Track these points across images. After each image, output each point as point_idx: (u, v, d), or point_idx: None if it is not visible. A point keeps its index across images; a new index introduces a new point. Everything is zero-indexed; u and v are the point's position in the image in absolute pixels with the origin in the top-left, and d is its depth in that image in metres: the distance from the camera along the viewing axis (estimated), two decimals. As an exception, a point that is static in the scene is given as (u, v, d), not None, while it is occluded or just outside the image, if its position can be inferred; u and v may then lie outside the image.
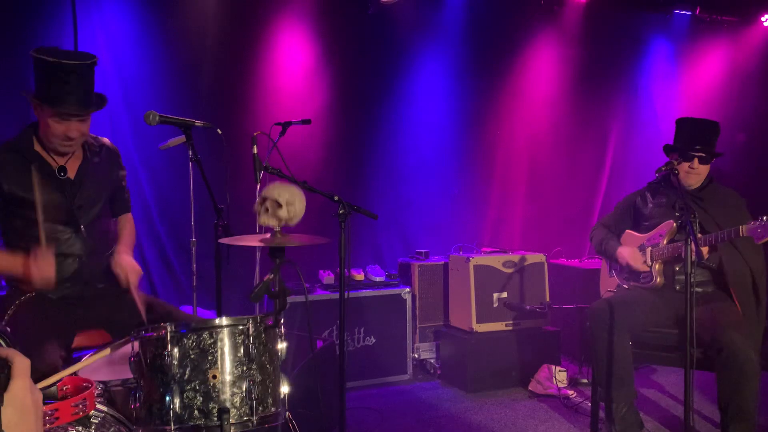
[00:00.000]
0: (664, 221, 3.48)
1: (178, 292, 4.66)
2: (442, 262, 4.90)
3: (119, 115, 4.46)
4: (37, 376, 0.86)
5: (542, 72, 6.04)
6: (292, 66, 5.12)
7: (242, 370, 1.90)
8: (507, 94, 5.92)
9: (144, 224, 4.55)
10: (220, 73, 4.82)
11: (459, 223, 5.72)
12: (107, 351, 1.98)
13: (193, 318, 2.73)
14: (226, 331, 1.91)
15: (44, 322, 2.39)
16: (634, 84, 6.43)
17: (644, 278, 3.50)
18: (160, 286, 4.64)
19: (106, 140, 2.85)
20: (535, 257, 4.68)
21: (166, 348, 1.86)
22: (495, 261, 4.58)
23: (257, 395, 1.90)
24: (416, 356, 4.81)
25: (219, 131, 2.77)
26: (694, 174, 3.43)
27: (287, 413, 2.18)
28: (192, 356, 1.87)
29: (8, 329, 2.18)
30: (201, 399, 1.85)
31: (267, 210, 2.13)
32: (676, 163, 3.34)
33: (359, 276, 4.72)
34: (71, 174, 2.64)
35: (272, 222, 2.12)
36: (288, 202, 2.12)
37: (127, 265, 2.62)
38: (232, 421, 1.84)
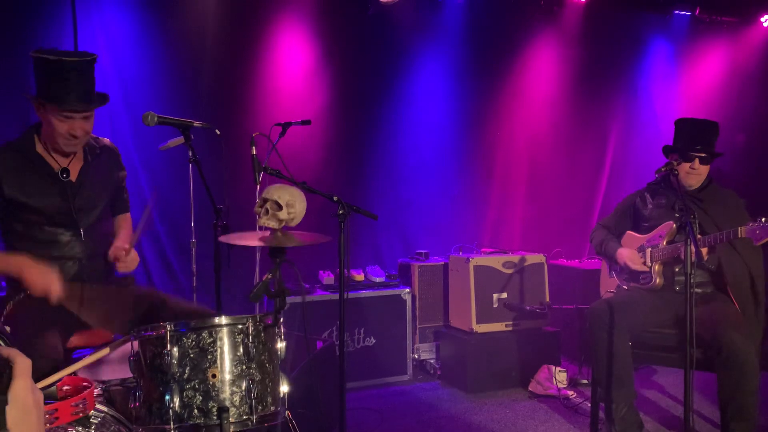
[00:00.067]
0: (664, 222, 3.48)
1: (177, 293, 4.66)
2: (442, 263, 4.90)
3: (119, 115, 4.47)
4: (35, 375, 0.86)
5: (542, 72, 6.05)
6: (292, 66, 5.12)
7: (242, 369, 1.90)
8: (507, 94, 5.92)
9: (140, 216, 4.54)
10: (220, 74, 4.83)
11: (459, 223, 5.72)
12: (106, 350, 1.98)
13: (189, 305, 2.72)
14: (225, 330, 1.91)
15: (42, 321, 2.38)
16: (633, 84, 6.43)
17: (644, 279, 3.50)
18: (160, 286, 4.64)
19: (106, 141, 2.85)
20: (534, 258, 4.68)
21: (166, 347, 1.86)
22: (495, 261, 4.58)
23: (257, 394, 1.90)
24: (416, 357, 4.81)
25: (217, 132, 2.77)
26: (694, 174, 3.43)
27: (287, 413, 2.18)
28: (191, 355, 1.88)
29: (7, 329, 2.18)
30: (200, 398, 1.86)
31: (267, 211, 2.13)
32: (675, 163, 3.34)
33: (359, 276, 4.72)
34: (73, 176, 2.64)
35: (272, 223, 2.13)
36: (288, 203, 2.12)
37: (118, 242, 2.63)
38: (231, 420, 1.85)
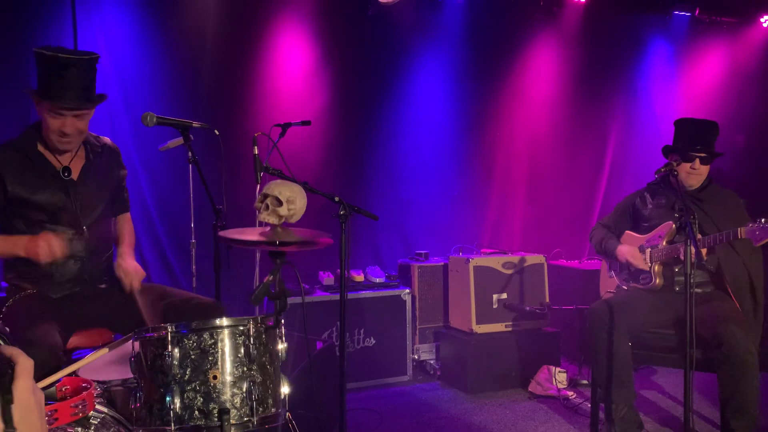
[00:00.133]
0: (664, 222, 3.48)
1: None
2: (442, 263, 4.90)
3: (119, 116, 4.46)
4: (36, 370, 0.86)
5: (542, 73, 6.05)
6: (292, 67, 5.12)
7: (243, 371, 1.90)
8: (507, 94, 5.92)
9: (143, 225, 4.55)
10: (219, 74, 4.82)
11: (459, 224, 5.72)
12: (105, 350, 1.98)
13: (189, 294, 2.72)
14: (226, 331, 1.91)
15: (42, 319, 2.38)
16: (633, 85, 6.43)
17: (644, 279, 3.50)
18: (160, 287, 4.64)
19: (107, 140, 2.86)
20: (534, 258, 4.68)
21: (167, 348, 1.86)
22: (495, 262, 4.58)
23: (258, 396, 1.90)
24: (416, 357, 4.81)
25: (216, 132, 2.77)
26: (695, 175, 3.43)
27: (287, 414, 2.18)
28: (192, 356, 1.87)
29: (7, 329, 2.18)
30: (201, 399, 1.85)
31: (267, 207, 2.12)
32: (675, 164, 3.34)
33: (359, 277, 4.72)
34: (74, 175, 2.64)
35: (272, 219, 2.12)
36: (289, 199, 2.11)
37: (130, 268, 2.63)
38: (232, 421, 1.84)
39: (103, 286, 2.70)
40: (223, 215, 2.75)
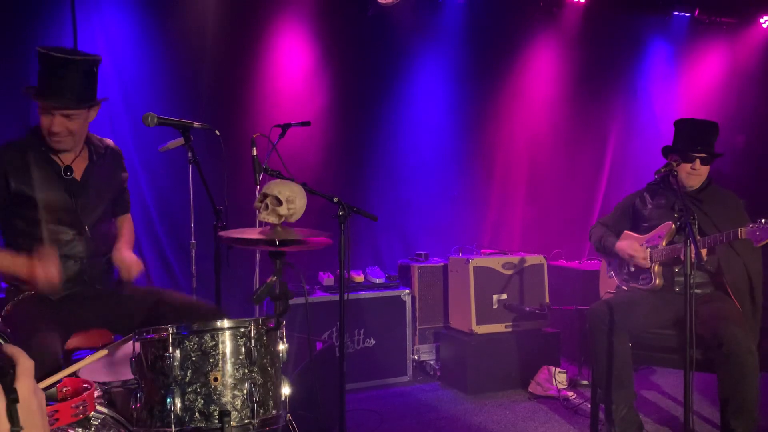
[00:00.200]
0: (663, 223, 3.48)
1: (177, 294, 4.66)
2: (442, 264, 4.90)
3: (119, 116, 4.46)
4: (35, 376, 0.86)
5: (541, 73, 6.05)
6: (292, 68, 5.12)
7: (243, 373, 1.90)
8: (506, 95, 5.92)
9: (143, 225, 4.55)
10: (219, 75, 4.82)
11: (459, 224, 5.72)
12: (105, 351, 1.98)
13: (188, 299, 2.72)
14: (227, 333, 1.91)
15: (41, 320, 2.38)
16: (633, 85, 6.43)
17: (643, 280, 3.50)
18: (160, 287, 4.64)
19: (110, 142, 2.86)
20: (534, 259, 4.68)
21: (168, 350, 1.86)
22: (495, 262, 4.58)
23: (258, 398, 1.90)
24: (416, 358, 4.81)
25: (217, 133, 2.77)
26: (695, 175, 3.43)
27: (287, 415, 2.18)
28: (193, 358, 1.87)
29: (8, 330, 2.18)
30: (202, 401, 1.85)
31: (267, 207, 2.12)
32: (675, 164, 3.34)
33: (359, 278, 4.72)
34: (77, 175, 2.64)
35: (272, 218, 2.12)
36: (288, 199, 2.11)
37: (127, 258, 2.63)
38: (233, 423, 1.84)
39: (102, 287, 2.70)
40: (224, 216, 2.75)
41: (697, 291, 3.27)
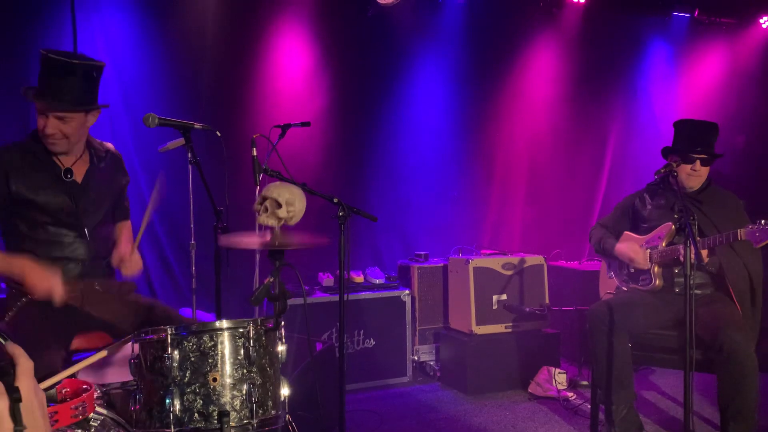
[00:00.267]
0: (663, 223, 3.48)
1: (177, 295, 4.66)
2: (442, 264, 4.90)
3: (119, 117, 4.46)
4: (36, 378, 0.86)
5: (541, 74, 6.05)
6: (292, 68, 5.12)
7: (242, 373, 1.90)
8: (506, 95, 5.92)
9: (149, 195, 4.54)
10: (219, 75, 4.82)
11: (458, 224, 5.72)
12: (104, 352, 1.98)
13: (193, 321, 2.73)
14: (226, 333, 1.91)
15: (45, 325, 2.38)
16: (633, 86, 6.43)
17: (643, 280, 3.50)
18: (160, 288, 4.64)
19: (110, 146, 2.87)
20: (534, 259, 4.67)
21: (167, 350, 1.86)
22: (494, 263, 4.57)
23: (257, 398, 1.90)
24: (416, 358, 4.80)
25: (218, 133, 2.77)
26: (695, 176, 3.42)
27: (287, 416, 2.18)
28: (192, 359, 1.87)
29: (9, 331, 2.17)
30: (201, 402, 1.85)
31: (267, 209, 2.13)
32: (675, 165, 3.34)
33: (359, 278, 4.72)
34: (78, 178, 2.65)
35: (272, 221, 2.12)
36: (288, 201, 2.12)
37: (125, 252, 2.63)
38: (232, 424, 1.84)
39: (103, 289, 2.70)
40: (224, 216, 2.75)
41: (697, 292, 3.27)
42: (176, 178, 4.37)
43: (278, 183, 2.20)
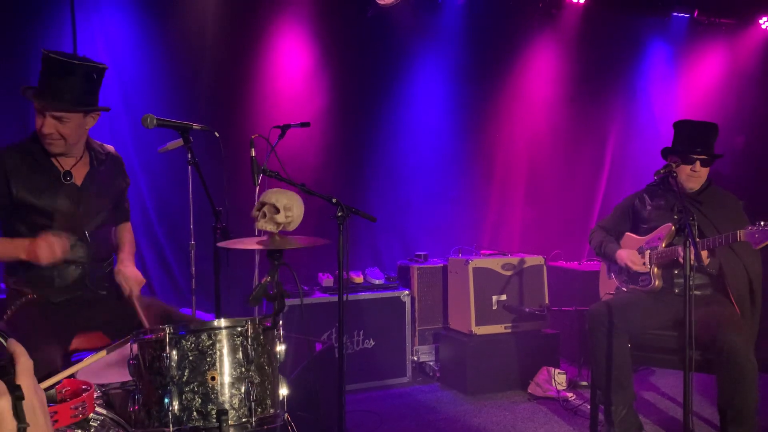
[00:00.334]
0: (663, 224, 3.48)
1: (177, 295, 4.66)
2: (441, 265, 4.90)
3: (119, 117, 4.46)
4: (36, 376, 0.86)
5: (541, 74, 6.05)
6: (291, 68, 5.12)
7: (241, 372, 1.90)
8: (506, 96, 5.92)
9: (143, 227, 4.55)
10: (219, 76, 4.82)
11: (458, 225, 5.72)
12: (104, 353, 1.98)
13: (192, 319, 2.73)
14: (224, 332, 1.91)
15: (43, 325, 2.39)
16: (632, 86, 6.43)
17: (643, 281, 3.50)
18: (159, 289, 4.64)
19: (111, 148, 2.87)
20: (534, 259, 4.68)
21: (165, 350, 1.86)
22: (494, 263, 4.57)
23: (256, 397, 1.90)
24: (415, 359, 4.81)
25: (216, 134, 2.77)
26: (695, 177, 3.42)
27: (286, 415, 2.18)
28: (191, 358, 1.87)
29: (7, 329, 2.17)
30: (200, 401, 1.85)
31: (265, 215, 2.13)
32: (674, 165, 3.35)
33: (358, 278, 4.72)
34: (78, 181, 2.64)
35: (270, 227, 2.13)
36: (286, 207, 2.12)
37: (130, 274, 2.63)
38: (230, 422, 1.84)
39: (103, 292, 2.71)
40: (223, 217, 2.75)
41: (697, 292, 3.26)
42: (176, 179, 4.38)
43: (276, 189, 2.20)
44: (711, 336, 3.03)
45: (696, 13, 6.27)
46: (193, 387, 1.86)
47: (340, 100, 5.26)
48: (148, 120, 2.53)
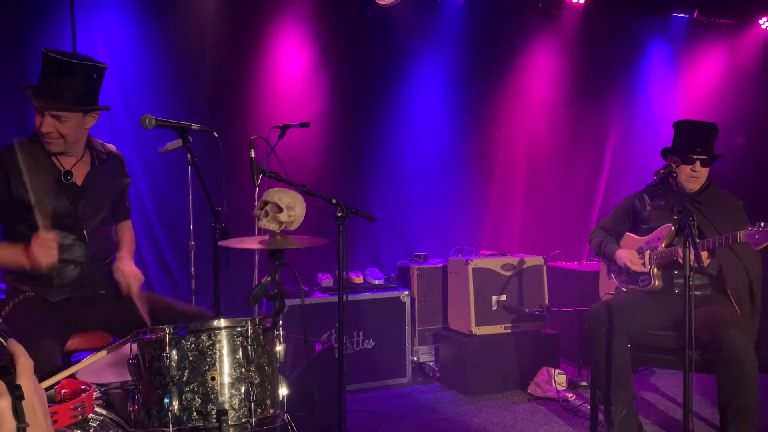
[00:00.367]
0: (663, 224, 3.48)
1: (176, 295, 4.66)
2: (441, 265, 4.90)
3: (119, 117, 4.46)
4: (36, 375, 0.86)
5: (541, 75, 6.05)
6: (291, 69, 5.12)
7: (241, 372, 1.90)
8: (506, 96, 5.93)
9: (142, 227, 4.55)
10: (219, 76, 4.83)
11: (458, 225, 5.72)
12: (104, 353, 1.98)
13: (191, 311, 2.72)
14: (224, 332, 1.91)
15: (40, 322, 2.38)
16: (632, 87, 6.44)
17: (643, 281, 3.50)
18: (159, 289, 4.64)
19: (112, 147, 2.86)
20: (533, 260, 4.67)
21: (165, 350, 1.86)
22: (494, 264, 4.57)
23: (256, 397, 1.90)
24: (415, 359, 4.80)
25: (215, 134, 2.77)
26: (695, 178, 3.42)
27: (286, 416, 2.18)
28: (190, 358, 1.87)
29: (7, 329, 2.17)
30: (200, 401, 1.85)
31: (267, 214, 2.13)
32: (674, 165, 3.34)
33: (358, 279, 4.71)
34: (78, 180, 2.64)
35: (272, 226, 2.13)
36: (288, 206, 2.12)
37: (128, 272, 2.62)
38: (230, 422, 1.84)
39: (102, 291, 2.70)
40: (222, 217, 2.75)
41: (696, 293, 3.26)
42: (176, 179, 4.38)
43: (278, 188, 2.21)
44: (711, 334, 3.02)
45: (696, 14, 6.27)
46: (193, 387, 1.86)
47: (340, 100, 5.26)
48: (147, 120, 2.53)
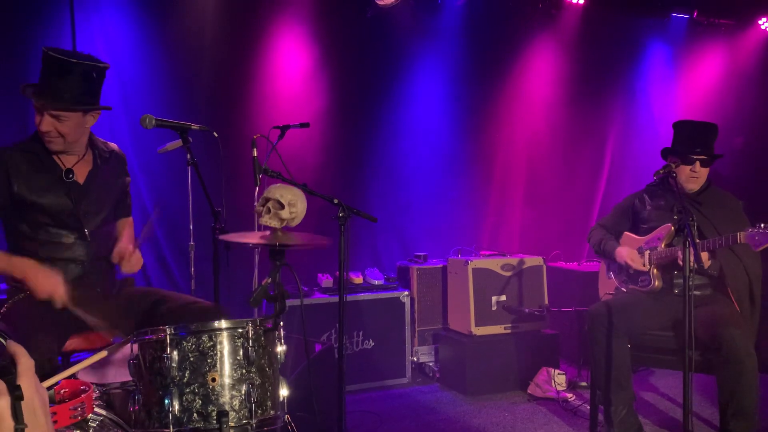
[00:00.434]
0: (663, 224, 3.48)
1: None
2: (441, 265, 4.90)
3: (118, 117, 4.46)
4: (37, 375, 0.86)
5: (540, 75, 6.06)
6: (291, 69, 5.12)
7: (241, 373, 1.90)
8: (505, 97, 5.93)
9: (143, 227, 4.54)
10: (218, 76, 4.82)
11: (458, 226, 5.72)
12: (104, 353, 1.98)
13: (190, 303, 2.70)
14: (225, 333, 1.91)
15: (39, 321, 2.37)
16: (632, 87, 6.44)
17: (642, 281, 3.50)
18: (159, 289, 4.63)
19: (114, 146, 2.86)
20: (533, 260, 4.67)
21: (166, 351, 1.86)
22: (494, 264, 4.57)
23: (256, 398, 1.90)
24: (415, 359, 4.80)
25: (215, 134, 2.77)
26: (695, 178, 3.42)
27: (286, 416, 2.18)
28: (191, 359, 1.87)
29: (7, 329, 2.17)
30: (200, 402, 1.85)
31: (269, 210, 2.13)
32: (674, 165, 3.35)
33: (358, 279, 4.71)
34: (80, 179, 2.63)
35: (274, 222, 2.12)
36: (290, 202, 2.12)
37: (125, 248, 2.61)
38: (231, 424, 1.84)
39: (103, 290, 2.70)
40: (222, 217, 2.74)
41: (696, 293, 3.26)
42: (175, 179, 4.38)
43: (280, 184, 2.21)
44: (711, 333, 3.03)
45: (695, 14, 6.27)
46: (194, 388, 1.85)
47: (340, 100, 5.26)
48: (147, 120, 2.52)
